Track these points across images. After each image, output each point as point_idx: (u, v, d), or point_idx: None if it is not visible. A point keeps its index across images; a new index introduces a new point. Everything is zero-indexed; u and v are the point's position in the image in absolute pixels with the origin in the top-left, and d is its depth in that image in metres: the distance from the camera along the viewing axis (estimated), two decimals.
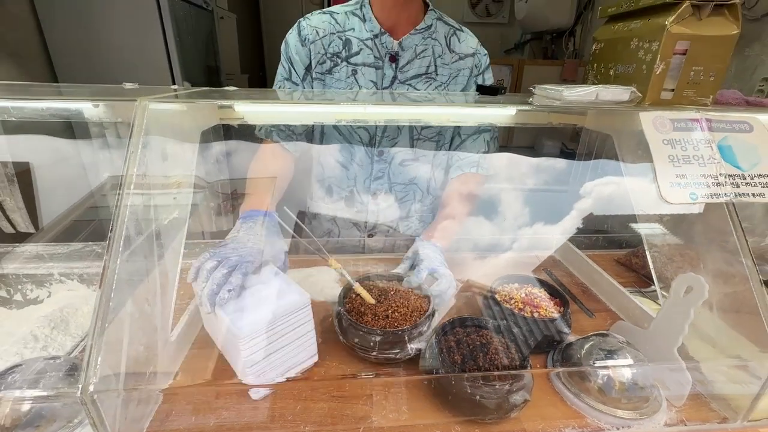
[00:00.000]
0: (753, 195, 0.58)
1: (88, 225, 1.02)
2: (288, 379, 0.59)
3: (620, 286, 0.83)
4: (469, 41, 0.93)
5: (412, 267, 0.74)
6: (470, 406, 0.50)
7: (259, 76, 4.11)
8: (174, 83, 2.06)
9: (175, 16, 1.96)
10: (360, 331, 0.61)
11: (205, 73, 2.48)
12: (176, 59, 2.01)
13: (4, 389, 0.46)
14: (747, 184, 0.59)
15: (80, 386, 0.42)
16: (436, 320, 0.65)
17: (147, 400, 0.50)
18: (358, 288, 0.68)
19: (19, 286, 0.87)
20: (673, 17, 0.62)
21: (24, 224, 0.89)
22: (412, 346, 0.61)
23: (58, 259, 0.92)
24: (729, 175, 0.59)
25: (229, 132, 0.82)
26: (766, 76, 1.67)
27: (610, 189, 0.85)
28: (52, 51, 1.91)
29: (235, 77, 3.11)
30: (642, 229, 0.75)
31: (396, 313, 0.64)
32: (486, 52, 0.96)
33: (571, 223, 0.93)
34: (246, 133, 0.93)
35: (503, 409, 0.50)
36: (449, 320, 0.65)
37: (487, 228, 1.02)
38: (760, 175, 0.59)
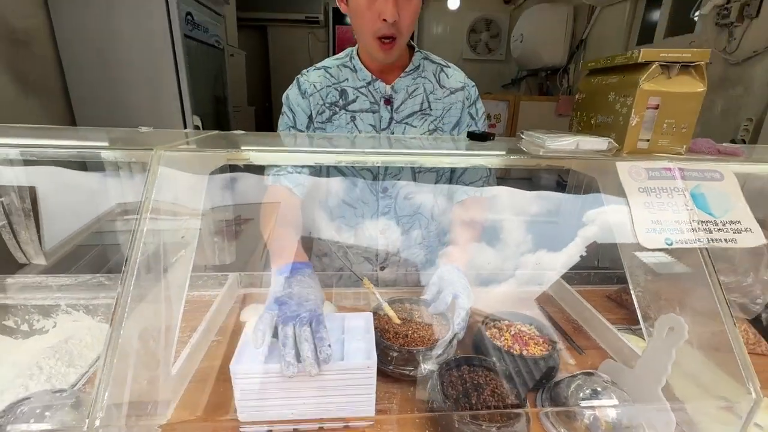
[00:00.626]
0: (725, 240, 0.62)
1: (92, 250, 1.06)
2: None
3: (609, 324, 0.85)
4: (456, 76, 0.99)
5: (438, 292, 0.78)
6: None
7: (265, 107, 4.27)
8: (184, 115, 2.15)
9: (188, 54, 2.08)
10: (380, 345, 0.66)
11: (213, 105, 2.59)
12: (187, 93, 2.12)
13: (14, 422, 0.49)
14: (719, 230, 0.63)
15: (87, 421, 0.44)
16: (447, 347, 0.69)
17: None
18: (386, 308, 0.75)
19: (27, 317, 0.90)
20: (645, 75, 0.68)
21: (36, 256, 0.93)
22: (426, 367, 0.65)
23: (65, 290, 0.95)
24: (702, 222, 0.62)
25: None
26: (749, 116, 1.75)
27: (608, 219, 0.88)
28: (70, 83, 2.02)
29: (242, 109, 3.24)
30: (626, 268, 0.78)
31: (416, 335, 0.70)
32: (474, 83, 1.02)
33: (573, 251, 0.96)
34: (251, 167, 0.98)
35: None
36: (456, 356, 0.68)
37: (484, 259, 1.06)
38: (731, 221, 0.63)
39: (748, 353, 0.79)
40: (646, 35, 2.61)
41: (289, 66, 4.34)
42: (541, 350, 0.71)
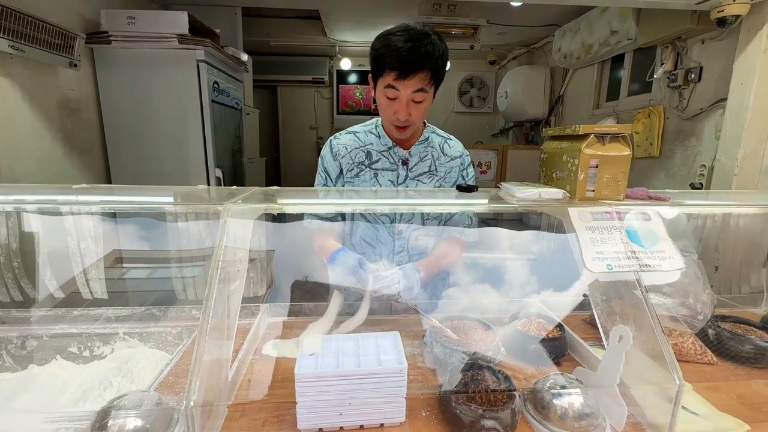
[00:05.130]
0: (652, 266, 0.81)
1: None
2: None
3: (582, 341, 1.02)
4: (456, 147, 1.25)
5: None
6: (451, 419, 0.68)
7: (274, 157, 4.59)
8: (207, 169, 2.41)
9: (213, 116, 2.38)
10: None
11: (231, 158, 2.87)
12: (211, 150, 2.39)
13: (124, 407, 0.65)
14: (648, 257, 0.82)
15: (184, 402, 0.61)
16: None
17: (216, 415, 0.68)
18: (435, 321, 0.98)
19: (89, 343, 1.06)
20: (585, 143, 0.91)
21: (101, 291, 1.11)
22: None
23: (122, 320, 1.12)
24: (633, 252, 0.82)
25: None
26: (703, 163, 2.01)
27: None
28: (109, 143, 2.30)
29: (255, 161, 3.53)
30: (589, 292, 0.96)
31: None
32: (468, 153, 1.27)
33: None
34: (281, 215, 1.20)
35: (475, 428, 0.67)
36: (467, 362, 0.85)
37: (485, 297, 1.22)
38: (657, 251, 0.83)
39: (696, 362, 0.97)
40: (613, 92, 2.97)
41: (296, 121, 4.74)
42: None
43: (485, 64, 4.58)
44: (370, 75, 1.10)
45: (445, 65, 1.06)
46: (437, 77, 1.04)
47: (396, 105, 1.04)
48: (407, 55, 0.97)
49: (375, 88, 1.09)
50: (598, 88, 3.06)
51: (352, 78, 4.65)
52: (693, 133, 2.08)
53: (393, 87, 1.02)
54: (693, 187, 1.96)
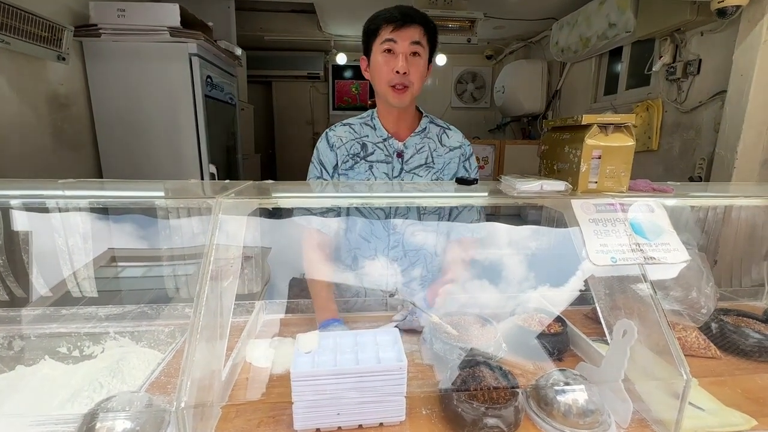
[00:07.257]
0: (657, 258, 0.79)
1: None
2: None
3: (584, 335, 1.00)
4: (455, 137, 1.21)
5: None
6: (453, 417, 0.66)
7: (269, 154, 4.55)
8: (201, 165, 2.37)
9: (206, 111, 2.34)
10: None
11: (225, 154, 2.83)
12: (204, 145, 2.35)
13: (113, 409, 0.62)
14: (653, 250, 0.80)
15: (175, 404, 0.58)
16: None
17: (209, 416, 0.65)
18: (435, 317, 0.95)
19: (79, 343, 1.03)
20: (588, 134, 0.89)
21: (90, 290, 1.08)
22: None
23: (113, 319, 1.08)
24: (638, 244, 0.80)
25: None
26: (702, 156, 1.99)
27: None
28: (100, 138, 2.25)
29: (250, 157, 3.49)
30: (591, 286, 0.94)
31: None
32: (469, 143, 1.24)
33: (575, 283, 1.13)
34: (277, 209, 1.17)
35: (477, 426, 0.65)
36: (470, 358, 0.82)
37: (485, 293, 1.20)
38: (661, 243, 0.81)
39: (700, 357, 0.95)
40: (611, 86, 2.96)
41: (292, 116, 4.70)
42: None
43: (482, 59, 4.55)
44: (362, 56, 1.09)
45: (436, 35, 1.10)
46: (430, 40, 1.08)
47: (394, 61, 1.04)
48: (400, 12, 1.03)
49: (369, 62, 1.09)
50: (595, 81, 3.04)
51: (348, 73, 4.60)
52: (692, 126, 2.07)
53: (391, 39, 1.04)
54: (692, 180, 1.95)
